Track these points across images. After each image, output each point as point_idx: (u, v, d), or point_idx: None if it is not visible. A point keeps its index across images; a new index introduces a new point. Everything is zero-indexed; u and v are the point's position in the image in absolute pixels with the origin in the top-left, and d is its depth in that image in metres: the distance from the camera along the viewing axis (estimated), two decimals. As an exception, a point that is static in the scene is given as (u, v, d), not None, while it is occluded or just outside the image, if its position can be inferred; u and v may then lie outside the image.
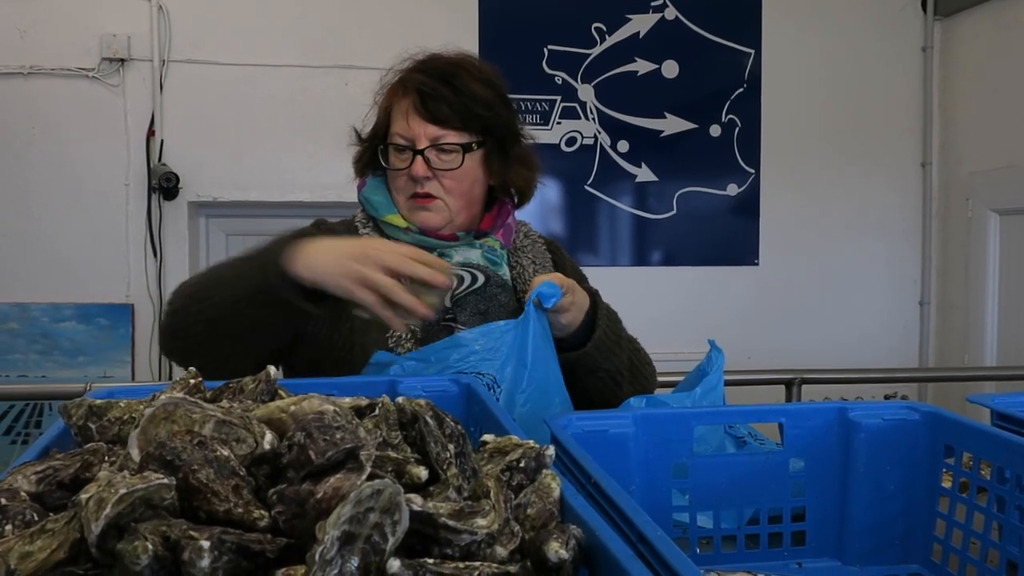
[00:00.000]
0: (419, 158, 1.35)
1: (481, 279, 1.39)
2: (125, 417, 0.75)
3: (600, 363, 1.37)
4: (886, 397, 3.44)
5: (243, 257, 1.26)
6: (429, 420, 0.70)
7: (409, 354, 1.24)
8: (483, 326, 1.24)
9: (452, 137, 1.37)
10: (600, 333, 1.36)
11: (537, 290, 1.25)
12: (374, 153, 1.43)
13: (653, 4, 3.72)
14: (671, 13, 3.73)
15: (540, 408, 1.21)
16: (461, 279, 1.38)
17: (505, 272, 1.45)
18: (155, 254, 3.35)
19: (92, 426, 0.74)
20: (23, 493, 0.62)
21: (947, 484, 0.98)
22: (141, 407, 0.75)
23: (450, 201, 1.38)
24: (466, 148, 1.38)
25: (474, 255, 1.41)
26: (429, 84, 1.37)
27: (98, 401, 0.77)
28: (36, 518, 0.59)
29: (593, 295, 1.41)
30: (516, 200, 1.50)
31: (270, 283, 1.17)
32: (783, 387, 2.55)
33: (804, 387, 2.53)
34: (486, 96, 1.40)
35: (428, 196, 1.37)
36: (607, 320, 1.40)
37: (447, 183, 1.38)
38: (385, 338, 1.34)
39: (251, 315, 1.20)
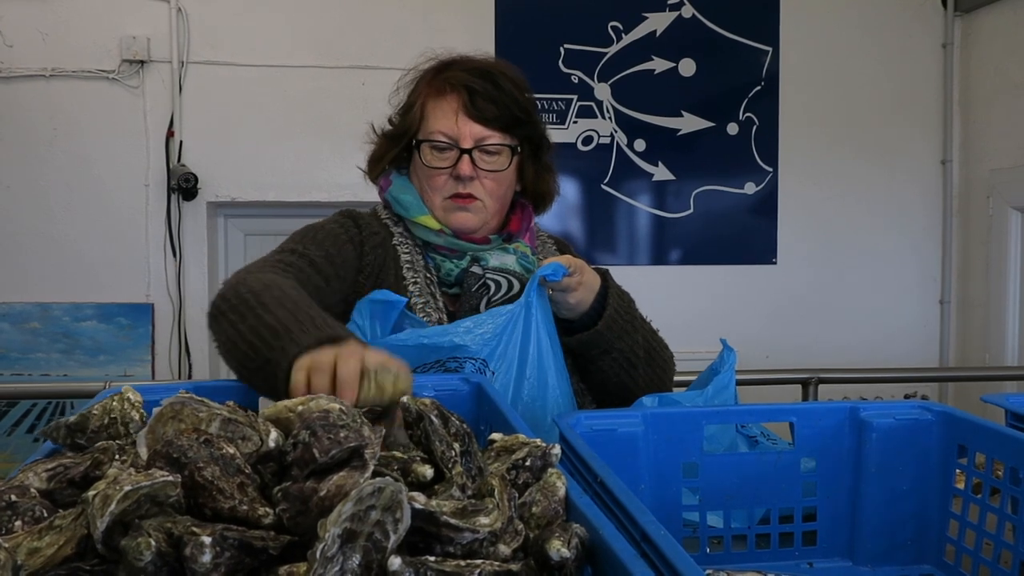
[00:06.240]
0: (466, 157, 1.35)
1: (517, 287, 1.39)
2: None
3: (613, 343, 1.37)
4: (906, 397, 3.41)
5: (279, 315, 1.04)
6: (434, 419, 0.70)
7: (403, 334, 1.19)
8: (483, 313, 1.24)
9: (496, 139, 1.37)
10: (611, 312, 1.36)
11: (539, 271, 1.25)
12: (403, 151, 1.43)
13: (670, 2, 3.71)
14: (688, 11, 3.71)
15: (540, 396, 1.22)
16: (498, 285, 1.38)
17: None
18: (175, 254, 3.38)
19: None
20: (33, 490, 0.62)
21: (960, 484, 0.97)
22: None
23: (488, 203, 1.39)
24: (513, 150, 1.39)
25: (510, 261, 1.41)
26: (477, 83, 1.36)
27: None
28: (45, 514, 0.59)
29: (603, 274, 1.40)
30: (537, 206, 1.51)
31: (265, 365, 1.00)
32: (799, 387, 2.54)
33: (821, 387, 2.51)
34: (525, 102, 1.40)
35: (469, 196, 1.37)
36: (618, 300, 1.39)
37: (488, 184, 1.38)
38: None
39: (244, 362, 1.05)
